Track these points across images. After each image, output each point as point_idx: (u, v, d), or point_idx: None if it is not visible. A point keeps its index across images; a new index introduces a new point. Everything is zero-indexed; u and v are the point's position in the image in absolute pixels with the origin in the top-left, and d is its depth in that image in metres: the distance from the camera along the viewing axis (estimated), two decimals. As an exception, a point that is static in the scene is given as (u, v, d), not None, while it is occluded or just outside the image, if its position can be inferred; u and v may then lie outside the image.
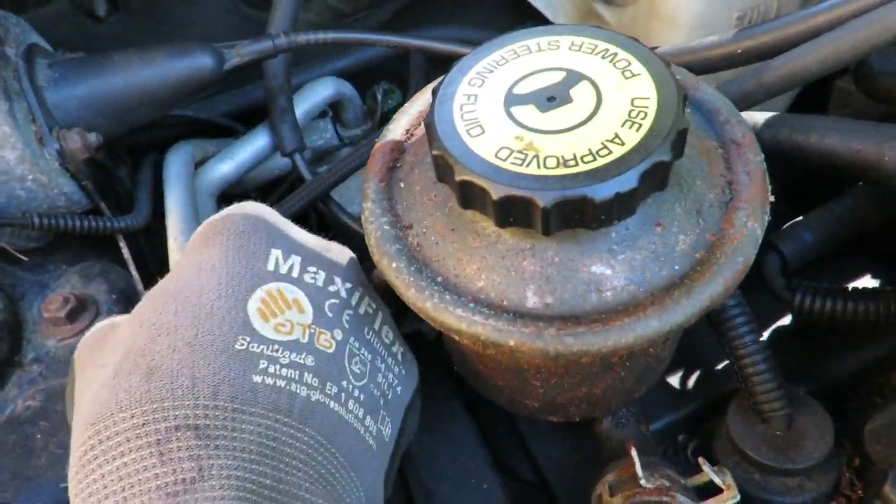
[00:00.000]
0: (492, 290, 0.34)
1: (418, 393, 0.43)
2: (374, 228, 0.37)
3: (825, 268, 0.54)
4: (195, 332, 0.34)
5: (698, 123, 0.38)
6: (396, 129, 0.42)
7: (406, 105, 0.44)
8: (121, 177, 0.66)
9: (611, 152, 0.31)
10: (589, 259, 0.33)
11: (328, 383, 0.35)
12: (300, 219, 0.48)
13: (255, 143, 0.73)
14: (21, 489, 0.50)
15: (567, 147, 0.32)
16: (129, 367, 0.33)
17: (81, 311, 0.60)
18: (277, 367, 0.34)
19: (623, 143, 0.31)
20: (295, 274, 0.37)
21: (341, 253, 0.40)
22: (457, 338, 0.34)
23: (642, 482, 0.40)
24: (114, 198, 0.63)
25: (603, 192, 0.30)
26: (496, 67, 0.36)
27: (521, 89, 0.35)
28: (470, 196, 0.32)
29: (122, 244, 0.59)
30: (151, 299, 0.37)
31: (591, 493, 0.46)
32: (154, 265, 0.65)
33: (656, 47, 0.46)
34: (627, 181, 0.30)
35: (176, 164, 0.68)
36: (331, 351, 0.36)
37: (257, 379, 0.33)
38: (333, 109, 0.83)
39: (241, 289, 0.35)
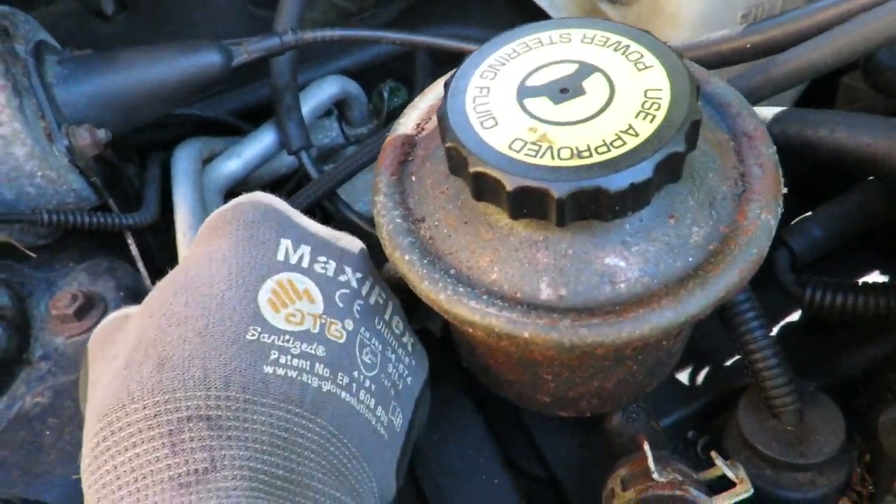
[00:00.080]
0: (505, 283, 0.34)
1: (428, 384, 0.43)
2: (387, 221, 0.37)
3: (834, 263, 0.54)
4: (206, 323, 0.34)
5: (710, 116, 0.38)
6: (407, 123, 0.42)
7: (416, 100, 0.44)
8: (128, 174, 0.67)
9: (625, 143, 0.31)
10: (602, 251, 0.33)
11: (339, 373, 0.35)
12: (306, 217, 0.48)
13: (262, 141, 0.73)
14: (30, 485, 0.50)
15: (581, 138, 0.32)
16: (141, 358, 0.33)
17: (89, 309, 0.60)
18: (289, 357, 0.34)
19: (637, 134, 0.31)
20: (305, 264, 0.37)
21: (351, 243, 0.40)
22: (470, 330, 0.34)
23: (655, 476, 0.40)
24: (122, 195, 0.63)
25: (618, 182, 0.30)
26: (508, 60, 0.36)
27: (534, 81, 0.35)
28: (483, 188, 0.32)
29: (131, 241, 0.59)
30: (162, 290, 0.37)
31: (601, 488, 0.46)
32: (162, 263, 0.65)
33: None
34: (642, 172, 0.30)
35: (184, 160, 0.68)
36: (342, 341, 0.36)
37: (268, 369, 0.33)
38: (339, 108, 0.83)
39: (251, 279, 0.35)
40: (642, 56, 0.34)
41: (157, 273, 0.62)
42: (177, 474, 0.30)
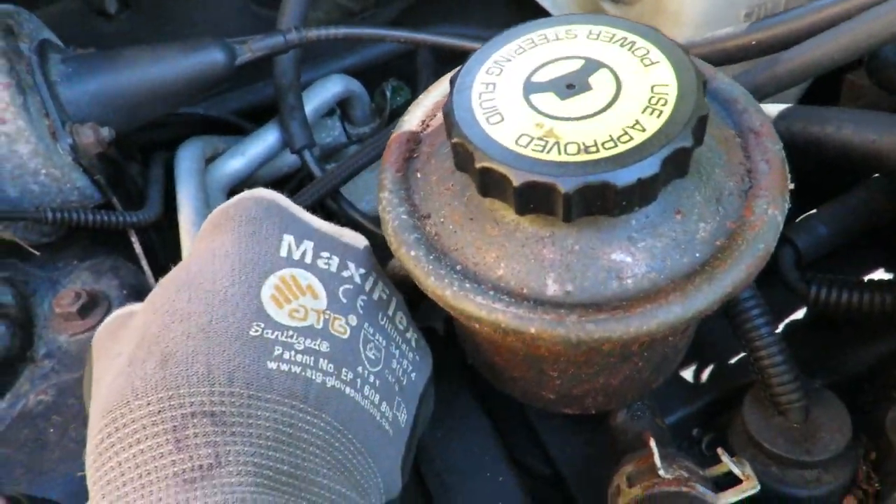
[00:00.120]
0: (511, 278, 0.34)
1: (432, 380, 0.43)
2: (392, 217, 0.37)
3: (839, 261, 0.53)
4: (209, 319, 0.34)
5: (716, 113, 0.38)
6: (412, 119, 0.42)
7: (421, 97, 0.44)
8: (132, 173, 0.67)
9: (632, 138, 0.31)
10: (609, 247, 0.33)
11: (343, 369, 0.35)
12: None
13: (266, 140, 0.73)
14: (34, 483, 0.50)
15: (587, 134, 0.32)
16: (144, 355, 0.33)
17: (93, 307, 0.60)
18: (292, 353, 0.34)
19: (644, 130, 0.31)
20: (308, 260, 0.37)
21: (354, 238, 0.40)
22: (477, 326, 0.34)
23: (661, 473, 0.40)
24: (125, 193, 0.63)
25: (625, 177, 0.30)
26: (514, 56, 0.36)
27: (540, 77, 0.35)
28: (490, 183, 0.32)
29: (134, 239, 0.59)
30: (164, 287, 0.37)
31: (606, 485, 0.46)
32: (165, 261, 0.65)
33: (670, 39, 0.46)
34: (649, 167, 0.30)
35: (187, 159, 0.69)
36: (345, 337, 0.36)
37: (272, 365, 0.33)
38: (342, 107, 0.83)
39: (254, 275, 0.35)
40: (648, 52, 0.34)
41: (161, 271, 0.62)
42: (181, 470, 0.30)
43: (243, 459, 0.31)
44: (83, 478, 0.34)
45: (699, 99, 0.32)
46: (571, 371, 0.41)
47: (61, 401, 0.55)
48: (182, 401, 0.31)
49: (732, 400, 0.52)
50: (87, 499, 0.33)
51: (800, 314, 0.57)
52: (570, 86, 0.34)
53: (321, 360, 0.35)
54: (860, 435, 0.49)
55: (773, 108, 0.47)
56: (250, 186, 0.80)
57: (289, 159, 0.78)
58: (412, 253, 0.36)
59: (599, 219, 0.33)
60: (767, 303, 0.45)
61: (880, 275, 0.57)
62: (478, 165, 0.32)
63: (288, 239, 0.37)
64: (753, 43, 0.45)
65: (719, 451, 0.43)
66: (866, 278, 0.50)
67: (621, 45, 0.35)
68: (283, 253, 0.37)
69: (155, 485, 0.30)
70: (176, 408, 0.31)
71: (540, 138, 0.32)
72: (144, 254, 0.62)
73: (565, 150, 0.31)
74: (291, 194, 0.74)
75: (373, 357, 0.37)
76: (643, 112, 0.32)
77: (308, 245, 0.38)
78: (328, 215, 0.78)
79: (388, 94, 0.85)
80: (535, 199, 0.31)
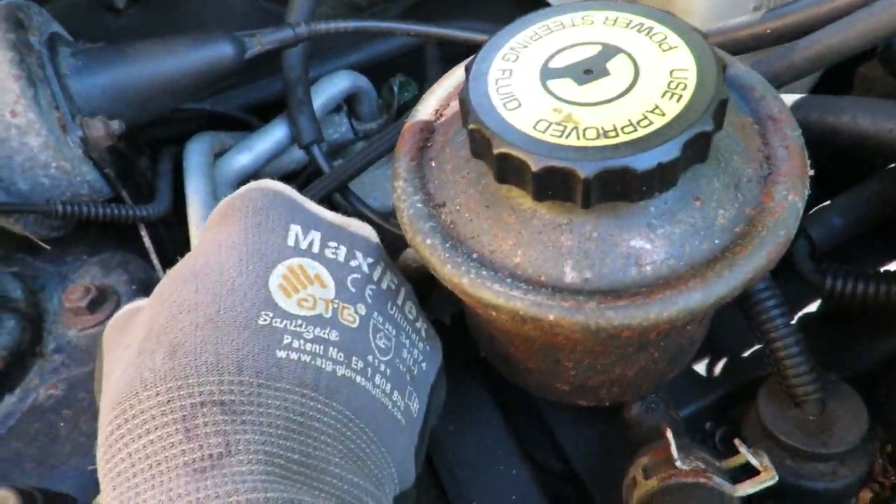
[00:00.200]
0: (529, 266, 0.34)
1: (443, 370, 0.42)
2: (407, 206, 0.37)
3: (854, 252, 0.53)
4: (217, 309, 0.33)
5: (733, 100, 0.38)
6: (425, 109, 0.42)
7: (434, 86, 0.43)
8: (141, 167, 0.66)
9: (651, 123, 0.31)
10: (628, 233, 0.33)
11: (353, 358, 0.35)
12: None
13: (274, 135, 0.73)
14: (45, 477, 0.50)
15: (606, 118, 0.31)
16: (153, 346, 0.33)
17: (102, 302, 0.60)
18: (302, 342, 0.34)
19: (664, 114, 0.31)
20: (315, 249, 0.37)
21: (361, 228, 0.40)
22: (494, 314, 0.34)
23: (678, 464, 0.40)
24: (134, 187, 0.63)
25: (645, 162, 0.30)
26: (530, 43, 0.36)
27: (557, 63, 0.34)
28: (507, 169, 0.32)
29: (144, 233, 0.59)
30: (172, 278, 0.36)
31: (620, 478, 0.45)
32: (174, 256, 0.65)
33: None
34: (670, 151, 0.30)
35: (196, 153, 0.68)
36: (354, 326, 0.36)
37: (282, 354, 0.33)
38: (348, 103, 0.83)
39: (261, 265, 0.35)
40: (666, 37, 0.34)
41: (170, 266, 0.62)
42: (191, 459, 0.30)
43: (254, 448, 0.31)
44: (94, 472, 0.33)
45: (719, 83, 0.31)
46: (587, 361, 0.41)
47: (71, 395, 0.55)
48: (191, 390, 0.31)
49: (745, 393, 0.51)
50: (98, 493, 0.33)
51: (813, 307, 0.56)
52: (588, 71, 0.34)
53: (331, 348, 0.34)
54: (876, 428, 0.48)
55: (787, 98, 0.46)
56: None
57: (296, 155, 0.78)
58: (428, 241, 0.35)
59: (618, 205, 0.33)
60: (782, 295, 0.45)
61: (894, 266, 0.57)
62: (495, 151, 0.31)
63: (295, 229, 0.37)
64: (768, 31, 0.45)
65: (736, 441, 0.42)
66: (882, 269, 0.50)
67: (638, 31, 0.35)
68: (291, 243, 0.36)
69: (165, 475, 0.30)
70: (185, 397, 0.31)
71: (558, 123, 0.32)
72: (154, 248, 0.61)
73: (584, 134, 0.31)
74: (299, 190, 0.74)
75: (383, 346, 0.37)
76: (662, 96, 0.32)
77: (315, 235, 0.37)
78: (336, 211, 0.77)
79: (396, 89, 0.85)
80: (553, 184, 0.31)
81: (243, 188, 0.39)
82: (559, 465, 0.53)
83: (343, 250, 0.38)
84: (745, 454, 0.41)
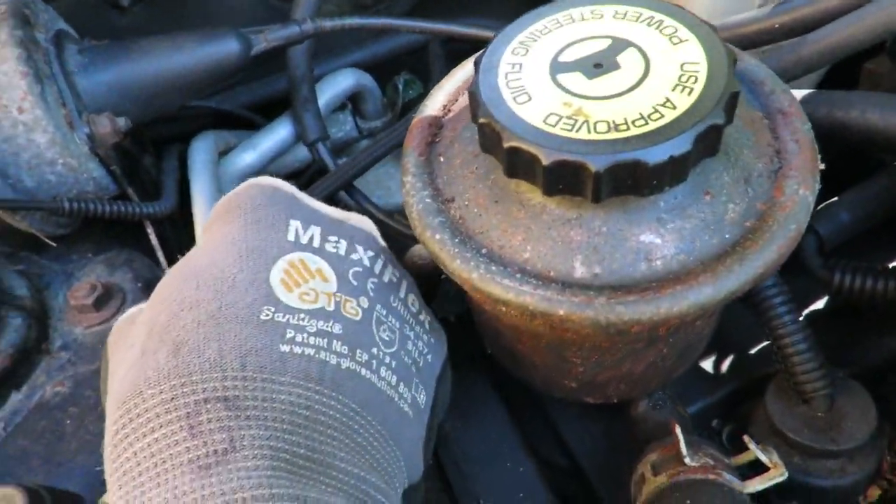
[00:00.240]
0: (538, 261, 0.34)
1: (448, 363, 0.42)
2: (416, 202, 0.37)
3: (862, 247, 0.53)
4: (218, 305, 0.33)
5: (743, 94, 0.38)
6: (434, 104, 0.42)
7: (441, 81, 0.43)
8: (146, 165, 0.66)
9: (662, 116, 0.31)
10: (637, 228, 0.33)
11: (358, 350, 0.35)
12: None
13: (279, 133, 0.73)
14: (51, 474, 0.50)
15: (617, 112, 0.31)
16: (156, 345, 0.33)
17: (108, 299, 0.60)
18: (305, 335, 0.33)
19: (675, 107, 0.31)
20: (316, 244, 0.37)
21: (361, 222, 0.40)
22: (503, 309, 0.34)
23: (687, 460, 0.40)
24: (140, 185, 0.63)
25: (656, 155, 0.29)
26: (540, 37, 0.36)
27: (567, 57, 0.34)
28: (518, 163, 0.32)
29: (150, 230, 0.59)
30: (172, 276, 0.36)
31: (629, 474, 0.45)
32: (179, 254, 0.65)
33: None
34: (682, 144, 0.30)
35: (201, 152, 0.68)
36: (358, 319, 0.36)
37: (285, 348, 0.33)
38: (353, 102, 0.83)
39: (262, 260, 0.35)
40: (677, 30, 0.34)
41: (175, 263, 0.62)
42: (196, 456, 0.30)
43: (259, 443, 0.30)
44: (101, 471, 0.33)
45: (730, 76, 0.31)
46: (595, 358, 0.41)
47: (78, 392, 0.55)
48: (195, 387, 0.31)
49: (753, 390, 0.51)
50: (104, 491, 0.32)
51: (821, 303, 0.56)
52: (598, 65, 0.33)
53: (335, 341, 0.34)
54: (885, 424, 0.48)
55: (795, 93, 0.46)
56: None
57: (300, 154, 0.78)
58: (437, 236, 0.35)
59: (627, 200, 0.33)
60: (790, 291, 0.45)
61: (902, 263, 0.56)
62: (506, 145, 0.31)
63: (295, 224, 0.37)
64: (776, 26, 0.45)
65: (745, 438, 0.42)
66: (890, 265, 0.49)
67: (648, 24, 0.35)
68: (291, 237, 0.36)
69: (170, 472, 0.30)
70: (189, 394, 0.31)
71: (569, 117, 0.32)
72: (160, 246, 0.61)
73: (595, 128, 0.31)
74: (302, 189, 0.74)
75: (387, 338, 0.37)
76: (673, 90, 0.31)
77: (315, 230, 0.37)
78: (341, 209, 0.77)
79: (400, 87, 0.85)
80: (564, 178, 0.31)
81: (242, 185, 0.39)
82: (564, 461, 0.53)
83: (343, 244, 0.38)
84: (755, 451, 0.41)
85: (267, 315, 0.33)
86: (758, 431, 0.48)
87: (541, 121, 0.32)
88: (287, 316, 0.34)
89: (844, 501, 0.47)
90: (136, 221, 0.61)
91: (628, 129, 0.31)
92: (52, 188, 0.55)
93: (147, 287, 0.62)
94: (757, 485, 0.40)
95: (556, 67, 0.34)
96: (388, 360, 0.36)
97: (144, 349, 0.33)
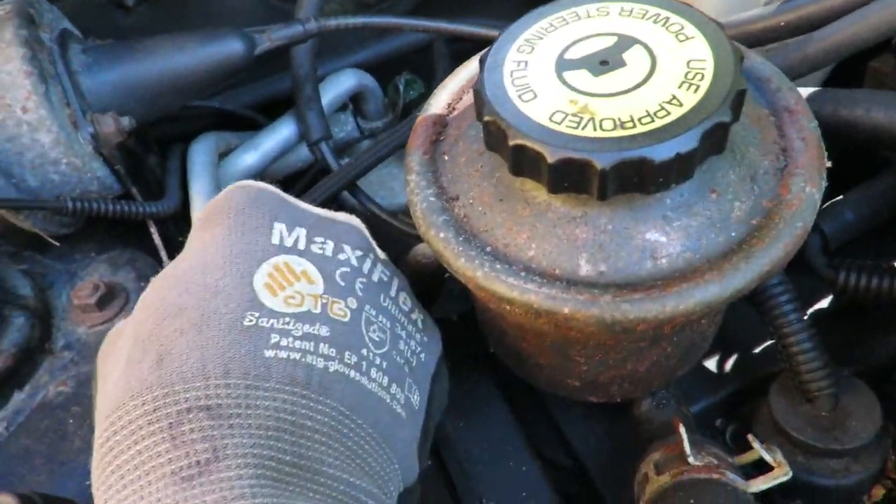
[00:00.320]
0: (543, 259, 0.34)
1: (443, 361, 0.42)
2: (420, 200, 0.37)
3: (866, 246, 0.53)
4: (201, 313, 0.33)
5: (749, 91, 0.37)
6: (438, 103, 0.42)
7: (446, 80, 0.43)
8: (150, 164, 0.66)
9: (669, 113, 0.31)
10: (643, 226, 0.33)
11: (346, 352, 0.34)
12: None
13: (280, 133, 0.73)
14: (54, 473, 0.50)
15: (623, 109, 0.31)
16: (140, 355, 0.33)
17: (111, 299, 0.60)
18: (290, 339, 0.33)
19: (681, 105, 0.31)
20: (301, 246, 0.37)
21: (348, 220, 0.40)
22: (508, 308, 0.34)
23: (690, 460, 0.40)
24: (144, 185, 0.63)
25: (663, 152, 0.29)
26: (545, 34, 0.36)
27: (573, 55, 0.34)
28: (523, 161, 0.32)
29: (153, 230, 0.59)
30: (156, 284, 0.36)
31: (630, 475, 0.45)
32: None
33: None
34: (688, 142, 0.30)
35: (201, 153, 0.68)
36: (346, 320, 0.35)
37: (269, 353, 0.32)
38: (354, 102, 0.83)
39: (245, 265, 0.35)
40: (683, 28, 0.34)
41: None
42: (178, 468, 0.29)
43: (242, 452, 0.30)
44: None
45: (736, 73, 0.31)
46: (599, 357, 0.41)
47: (81, 392, 0.55)
48: (177, 397, 0.30)
49: (756, 390, 0.51)
50: None
51: (826, 302, 0.56)
52: (604, 62, 0.33)
53: (321, 344, 0.34)
54: (889, 424, 0.48)
55: (801, 91, 0.46)
56: (264, 181, 0.79)
57: (302, 154, 0.77)
58: (441, 235, 0.35)
59: (633, 198, 0.33)
60: (794, 290, 0.45)
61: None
62: (511, 143, 0.31)
63: (279, 227, 0.37)
64: (782, 24, 0.45)
65: (749, 437, 0.42)
66: (895, 264, 0.49)
67: (654, 22, 0.35)
68: (276, 241, 0.36)
69: (153, 485, 0.29)
70: (171, 405, 0.30)
71: (574, 115, 0.32)
72: (163, 246, 0.61)
73: (601, 126, 0.31)
74: (304, 189, 0.74)
75: (377, 339, 0.36)
76: (680, 87, 0.31)
77: (300, 231, 0.37)
78: (344, 210, 0.77)
79: (402, 87, 0.85)
80: (569, 176, 0.31)
81: (226, 189, 0.39)
82: (568, 461, 0.53)
83: (330, 244, 0.37)
84: (759, 450, 0.41)
85: (251, 320, 0.33)
86: (761, 430, 0.48)
87: (546, 118, 0.32)
88: (272, 321, 0.33)
89: (848, 501, 0.47)
90: (140, 221, 0.60)
91: (634, 126, 0.30)
92: (55, 188, 0.55)
93: (150, 286, 0.61)
94: (761, 484, 0.40)
95: (562, 65, 0.34)
96: (378, 360, 0.36)
97: (129, 359, 0.33)
